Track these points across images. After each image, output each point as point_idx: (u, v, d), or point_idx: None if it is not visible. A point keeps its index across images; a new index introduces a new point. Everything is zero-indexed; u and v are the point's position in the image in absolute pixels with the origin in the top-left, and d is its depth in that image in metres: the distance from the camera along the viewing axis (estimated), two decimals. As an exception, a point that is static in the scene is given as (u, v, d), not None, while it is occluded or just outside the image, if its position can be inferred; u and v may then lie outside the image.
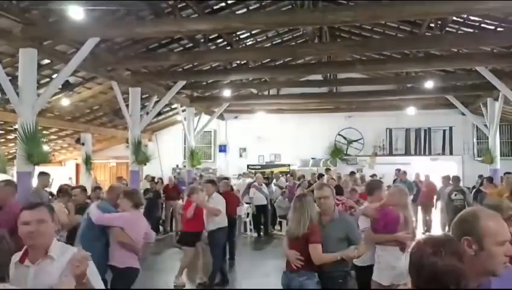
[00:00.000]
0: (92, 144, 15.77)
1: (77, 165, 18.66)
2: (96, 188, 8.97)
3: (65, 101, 12.22)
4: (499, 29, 9.54)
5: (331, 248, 4.22)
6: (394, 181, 13.20)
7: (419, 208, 12.80)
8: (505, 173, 9.41)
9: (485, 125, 13.91)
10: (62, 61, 8.73)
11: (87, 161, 14.93)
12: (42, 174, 8.03)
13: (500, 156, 13.55)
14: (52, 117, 13.48)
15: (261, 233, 12.84)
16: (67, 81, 9.55)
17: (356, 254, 4.22)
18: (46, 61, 9.55)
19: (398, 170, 13.59)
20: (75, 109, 13.69)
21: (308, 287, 4.22)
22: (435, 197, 12.61)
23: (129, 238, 4.89)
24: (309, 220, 4.24)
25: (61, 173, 18.19)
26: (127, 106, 11.47)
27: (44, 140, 9.66)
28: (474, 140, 17.07)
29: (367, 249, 4.46)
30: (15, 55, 8.12)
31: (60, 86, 9.07)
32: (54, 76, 9.58)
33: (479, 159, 14.87)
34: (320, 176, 13.36)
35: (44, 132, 13.13)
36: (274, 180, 14.56)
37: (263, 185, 13.07)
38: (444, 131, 17.13)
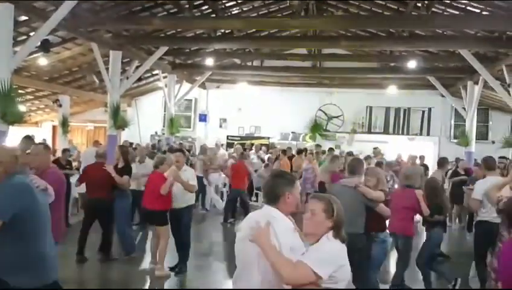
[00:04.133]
0: (69, 106, 15.48)
1: (54, 127, 18.32)
2: (65, 150, 8.89)
3: (43, 61, 11.83)
4: (484, 13, 9.57)
5: None
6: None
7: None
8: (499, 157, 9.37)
9: (463, 108, 14.10)
10: (40, 18, 8.42)
11: (64, 123, 14.69)
12: (27, 138, 6.85)
13: (476, 139, 13.80)
14: (29, 76, 13.09)
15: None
16: (47, 40, 9.25)
17: None
18: (24, 18, 9.20)
19: (375, 148, 13.75)
20: (53, 70, 13.32)
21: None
22: None
23: None
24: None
25: (37, 134, 17.82)
26: (107, 69, 11.23)
27: (20, 99, 9.36)
28: (452, 122, 17.32)
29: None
30: (-9, 10, 7.80)
31: (38, 45, 8.81)
32: (32, 34, 9.26)
33: (455, 141, 15.12)
34: (300, 151, 13.48)
35: (20, 91, 12.79)
36: (253, 151, 14.51)
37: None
38: (423, 112, 17.32)
